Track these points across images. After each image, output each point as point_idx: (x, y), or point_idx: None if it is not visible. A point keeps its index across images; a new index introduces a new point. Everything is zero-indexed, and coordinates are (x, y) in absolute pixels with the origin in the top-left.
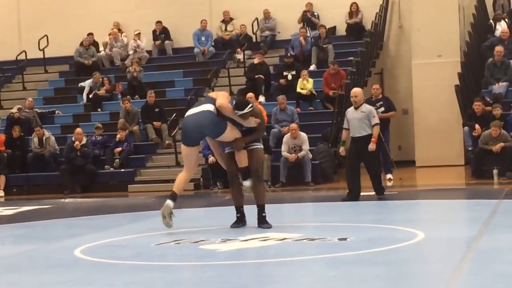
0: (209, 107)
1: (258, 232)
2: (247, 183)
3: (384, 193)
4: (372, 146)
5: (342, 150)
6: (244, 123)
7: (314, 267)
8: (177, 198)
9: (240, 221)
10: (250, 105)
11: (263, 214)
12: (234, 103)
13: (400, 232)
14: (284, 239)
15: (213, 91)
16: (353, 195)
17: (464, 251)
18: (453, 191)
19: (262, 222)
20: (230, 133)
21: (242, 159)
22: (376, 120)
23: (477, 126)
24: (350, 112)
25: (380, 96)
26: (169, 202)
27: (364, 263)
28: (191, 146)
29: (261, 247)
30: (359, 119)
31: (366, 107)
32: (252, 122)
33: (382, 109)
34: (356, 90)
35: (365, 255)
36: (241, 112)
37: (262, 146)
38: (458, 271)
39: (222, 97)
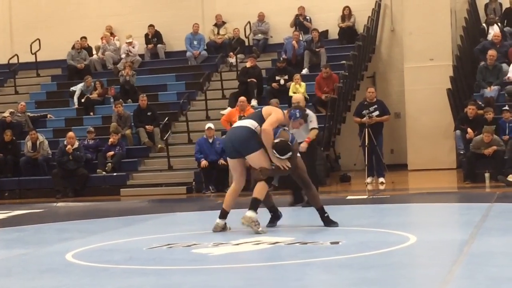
0: (251, 123)
1: (250, 236)
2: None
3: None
4: (304, 145)
5: None
6: (274, 161)
7: (307, 271)
8: (227, 214)
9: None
10: (290, 153)
11: (325, 215)
12: (276, 140)
13: (392, 235)
14: (277, 243)
15: (205, 94)
16: (297, 199)
17: (456, 254)
18: (445, 195)
19: (328, 222)
20: (258, 159)
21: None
22: (314, 124)
23: (469, 129)
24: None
25: (375, 99)
26: (220, 221)
27: (356, 267)
28: (232, 159)
29: (253, 251)
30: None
31: (306, 111)
32: (285, 163)
33: (377, 112)
34: (298, 97)
35: (357, 259)
36: (277, 156)
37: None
38: (450, 274)
39: (271, 120)
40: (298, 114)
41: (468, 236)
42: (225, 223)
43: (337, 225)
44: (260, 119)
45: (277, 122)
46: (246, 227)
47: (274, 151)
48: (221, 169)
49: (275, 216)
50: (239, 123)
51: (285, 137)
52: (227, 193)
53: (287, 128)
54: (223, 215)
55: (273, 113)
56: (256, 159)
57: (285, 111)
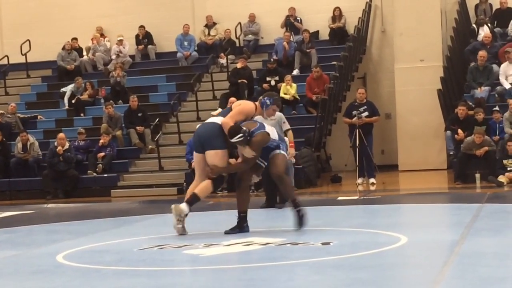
0: (221, 119)
1: (241, 237)
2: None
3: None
4: (292, 151)
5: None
6: (241, 151)
7: (298, 272)
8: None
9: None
10: (240, 135)
11: (297, 209)
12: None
13: (383, 236)
14: (268, 243)
15: (196, 95)
16: (270, 203)
17: (447, 255)
18: (436, 195)
19: (299, 223)
20: (215, 156)
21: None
22: (287, 125)
23: (459, 130)
24: (260, 120)
25: (365, 100)
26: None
27: (347, 267)
28: (197, 153)
29: (244, 252)
30: (270, 126)
31: (277, 114)
32: (248, 152)
33: (366, 113)
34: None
35: (348, 259)
36: (232, 141)
37: (283, 152)
38: (440, 275)
39: (232, 113)
40: (268, 102)
41: (459, 237)
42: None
43: (300, 228)
44: (227, 112)
45: (241, 114)
46: (172, 216)
47: (229, 138)
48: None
49: (240, 225)
50: (210, 119)
51: (249, 126)
52: (189, 188)
53: (258, 119)
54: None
55: (241, 105)
56: (213, 156)
57: (257, 102)
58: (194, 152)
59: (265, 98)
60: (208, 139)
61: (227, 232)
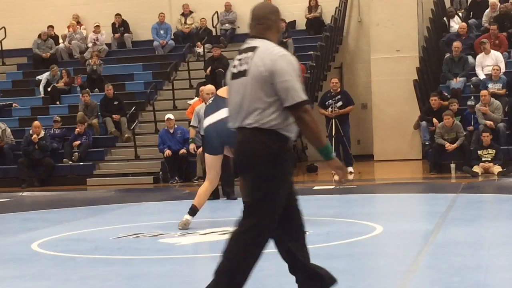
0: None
1: (217, 226)
2: None
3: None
4: None
5: (192, 147)
6: None
7: (273, 261)
8: (197, 212)
9: None
10: None
11: None
12: None
13: (359, 225)
14: None
15: (172, 84)
16: (215, 195)
17: (422, 244)
18: (411, 185)
19: None
20: None
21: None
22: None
23: (434, 120)
24: (203, 109)
25: (339, 90)
26: (189, 218)
27: (323, 257)
28: (212, 155)
29: (220, 241)
30: None
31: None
32: None
33: (340, 103)
34: (211, 87)
35: (324, 249)
36: None
37: None
38: (415, 264)
39: None
40: None
41: (434, 226)
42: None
43: None
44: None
45: None
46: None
47: None
48: (183, 159)
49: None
50: (216, 117)
51: None
52: (200, 190)
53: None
54: (193, 212)
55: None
56: None
57: None
58: (208, 154)
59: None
60: (230, 136)
61: None
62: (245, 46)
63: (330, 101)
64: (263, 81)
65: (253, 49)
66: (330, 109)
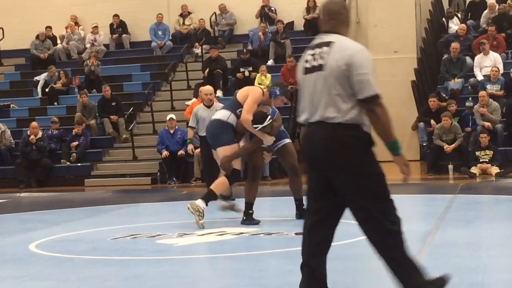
0: (224, 114)
1: (215, 227)
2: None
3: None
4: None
5: (190, 148)
6: (264, 141)
7: (271, 262)
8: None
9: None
10: (269, 117)
11: (304, 207)
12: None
13: (356, 226)
14: (241, 233)
15: (170, 85)
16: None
17: (420, 245)
18: (409, 186)
19: (302, 214)
20: (224, 152)
21: (237, 160)
22: None
23: (432, 121)
24: (201, 110)
25: None
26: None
27: None
28: (214, 150)
29: (218, 242)
30: None
31: (220, 105)
32: (269, 140)
33: None
34: (209, 88)
35: None
36: (261, 126)
37: (290, 140)
38: None
39: (247, 107)
40: (278, 92)
41: (432, 227)
42: (233, 204)
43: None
44: (234, 105)
45: (255, 104)
46: (190, 213)
47: (255, 125)
48: (181, 160)
49: (251, 217)
50: (214, 116)
51: (264, 110)
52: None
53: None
54: (225, 198)
55: (249, 95)
56: (222, 153)
57: (265, 90)
58: (213, 150)
59: (275, 88)
60: (214, 138)
61: (243, 223)
62: (318, 41)
63: None
64: (342, 75)
65: (328, 44)
66: None
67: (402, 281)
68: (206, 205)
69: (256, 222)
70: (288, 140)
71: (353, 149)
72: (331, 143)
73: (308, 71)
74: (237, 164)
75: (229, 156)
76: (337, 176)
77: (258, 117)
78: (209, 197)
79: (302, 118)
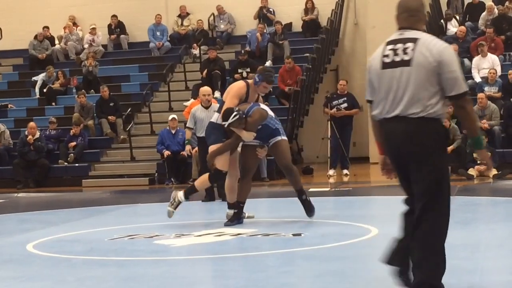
0: (215, 116)
1: (212, 227)
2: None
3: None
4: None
5: (188, 148)
6: (243, 137)
7: (268, 263)
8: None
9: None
10: (234, 113)
11: (304, 198)
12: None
13: (354, 228)
14: (239, 234)
15: (168, 86)
16: (210, 197)
17: None
18: None
19: (308, 207)
20: (210, 150)
21: (222, 161)
22: None
23: None
24: (199, 111)
25: (345, 92)
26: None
27: (318, 259)
28: None
29: (215, 242)
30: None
31: (217, 106)
32: (247, 135)
33: (345, 105)
34: (207, 89)
35: (319, 251)
36: (227, 123)
37: (284, 138)
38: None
39: (227, 101)
40: (257, 78)
41: None
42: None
43: (312, 214)
44: (221, 106)
45: (234, 97)
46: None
47: (223, 122)
48: (182, 161)
49: (238, 216)
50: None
51: (242, 108)
52: (202, 177)
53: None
54: (230, 206)
55: (230, 90)
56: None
57: (250, 81)
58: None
59: (256, 75)
60: (206, 139)
61: (227, 225)
62: (398, 37)
63: (336, 101)
64: (431, 71)
65: (413, 40)
66: (335, 109)
67: (424, 268)
68: (186, 199)
69: (238, 222)
70: (280, 138)
71: (434, 145)
72: (413, 138)
73: (387, 65)
74: (220, 165)
75: (212, 152)
76: (415, 169)
77: (225, 114)
78: (190, 191)
79: (376, 112)
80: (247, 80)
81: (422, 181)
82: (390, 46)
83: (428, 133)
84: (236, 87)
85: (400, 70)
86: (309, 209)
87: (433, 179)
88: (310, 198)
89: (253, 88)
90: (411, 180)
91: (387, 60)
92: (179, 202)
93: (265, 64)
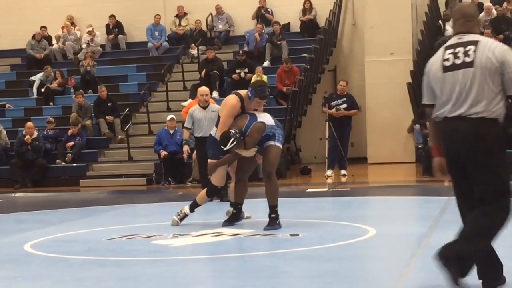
0: (213, 129)
1: (210, 228)
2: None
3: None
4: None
5: (185, 149)
6: (243, 155)
7: (266, 263)
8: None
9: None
10: (231, 140)
11: (272, 216)
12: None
13: (352, 228)
14: (237, 234)
15: (166, 86)
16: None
17: (415, 247)
18: (404, 188)
19: (271, 224)
20: (209, 164)
21: (218, 177)
22: None
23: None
24: (197, 111)
25: (345, 92)
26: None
27: (316, 259)
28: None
29: (213, 243)
30: (210, 118)
31: (216, 106)
32: (248, 153)
33: (345, 105)
34: (205, 89)
35: (317, 251)
36: (225, 148)
37: (278, 144)
38: (408, 267)
39: (222, 122)
40: (250, 94)
41: (427, 229)
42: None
43: (278, 227)
44: (218, 120)
45: (228, 117)
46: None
47: (221, 146)
48: (179, 161)
49: (237, 217)
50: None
51: (239, 125)
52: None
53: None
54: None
55: (223, 109)
56: (208, 165)
57: (244, 94)
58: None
59: (249, 89)
60: (207, 148)
61: (224, 225)
62: (457, 41)
63: (335, 102)
64: (494, 72)
65: (474, 42)
66: (334, 109)
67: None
68: (191, 211)
69: (233, 224)
70: (273, 143)
71: (495, 145)
72: (475, 139)
73: (449, 69)
74: (216, 181)
75: (213, 164)
76: (475, 169)
77: (222, 139)
78: (194, 205)
79: (439, 112)
80: (240, 93)
81: (481, 183)
82: (450, 50)
83: (489, 135)
84: (229, 105)
85: (463, 71)
86: (273, 226)
87: (493, 180)
88: (309, 198)
89: (248, 102)
90: (470, 180)
91: (447, 63)
92: (185, 215)
93: (263, 64)
